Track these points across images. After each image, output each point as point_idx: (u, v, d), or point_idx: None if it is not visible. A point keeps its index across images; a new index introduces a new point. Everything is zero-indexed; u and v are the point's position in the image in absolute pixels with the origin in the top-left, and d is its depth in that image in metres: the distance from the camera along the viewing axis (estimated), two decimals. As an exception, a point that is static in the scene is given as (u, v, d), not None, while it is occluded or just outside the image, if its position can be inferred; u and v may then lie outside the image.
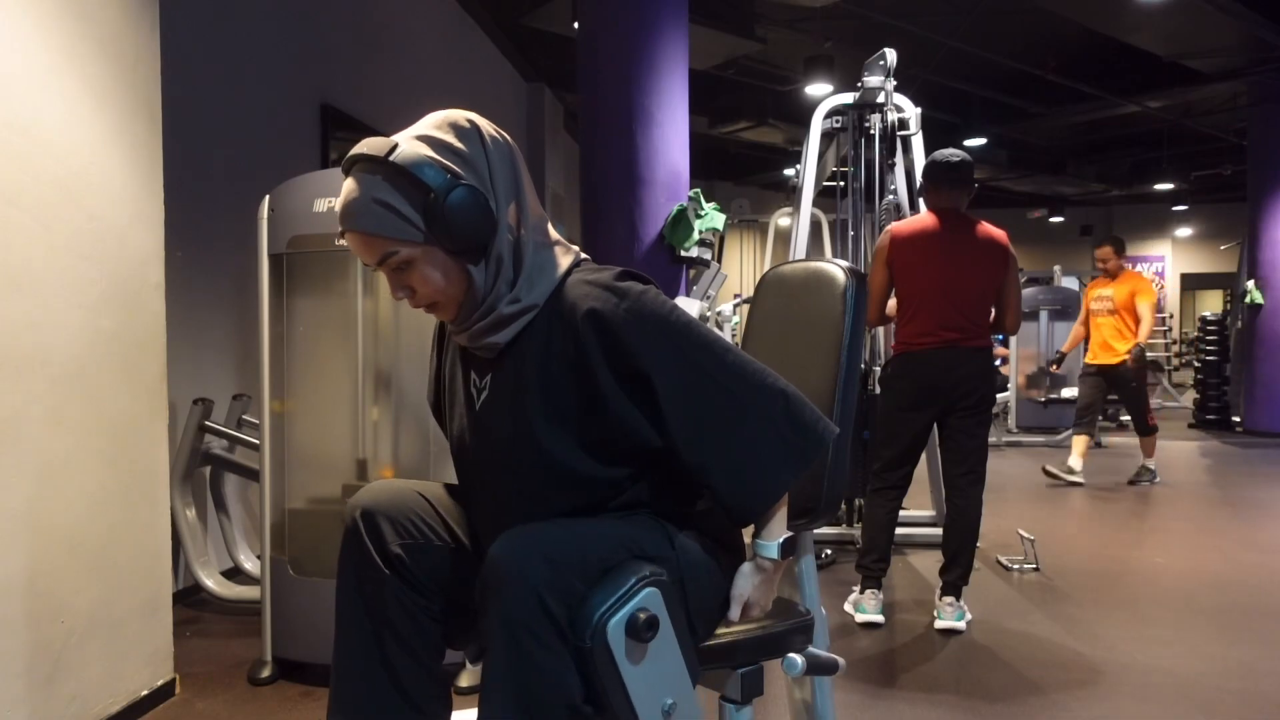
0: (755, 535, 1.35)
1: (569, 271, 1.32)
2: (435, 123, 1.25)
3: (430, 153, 1.21)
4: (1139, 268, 16.21)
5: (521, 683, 1.13)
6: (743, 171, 12.85)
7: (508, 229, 1.26)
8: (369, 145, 1.21)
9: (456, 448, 1.42)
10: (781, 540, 1.33)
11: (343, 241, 1.36)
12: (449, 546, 1.40)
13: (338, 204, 1.23)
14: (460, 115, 1.26)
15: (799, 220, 4.48)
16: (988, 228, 3.08)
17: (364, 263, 1.26)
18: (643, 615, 1.16)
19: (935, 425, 3.14)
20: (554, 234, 1.34)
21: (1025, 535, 3.90)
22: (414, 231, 1.21)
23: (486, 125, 1.28)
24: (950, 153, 3.13)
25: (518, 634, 1.12)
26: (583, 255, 1.37)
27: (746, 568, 1.36)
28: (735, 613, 1.35)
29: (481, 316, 1.28)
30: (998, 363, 8.32)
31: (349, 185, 1.22)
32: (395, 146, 1.20)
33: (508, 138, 1.30)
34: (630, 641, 1.15)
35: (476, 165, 1.24)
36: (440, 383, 1.50)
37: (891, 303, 3.18)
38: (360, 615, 1.36)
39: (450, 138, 1.23)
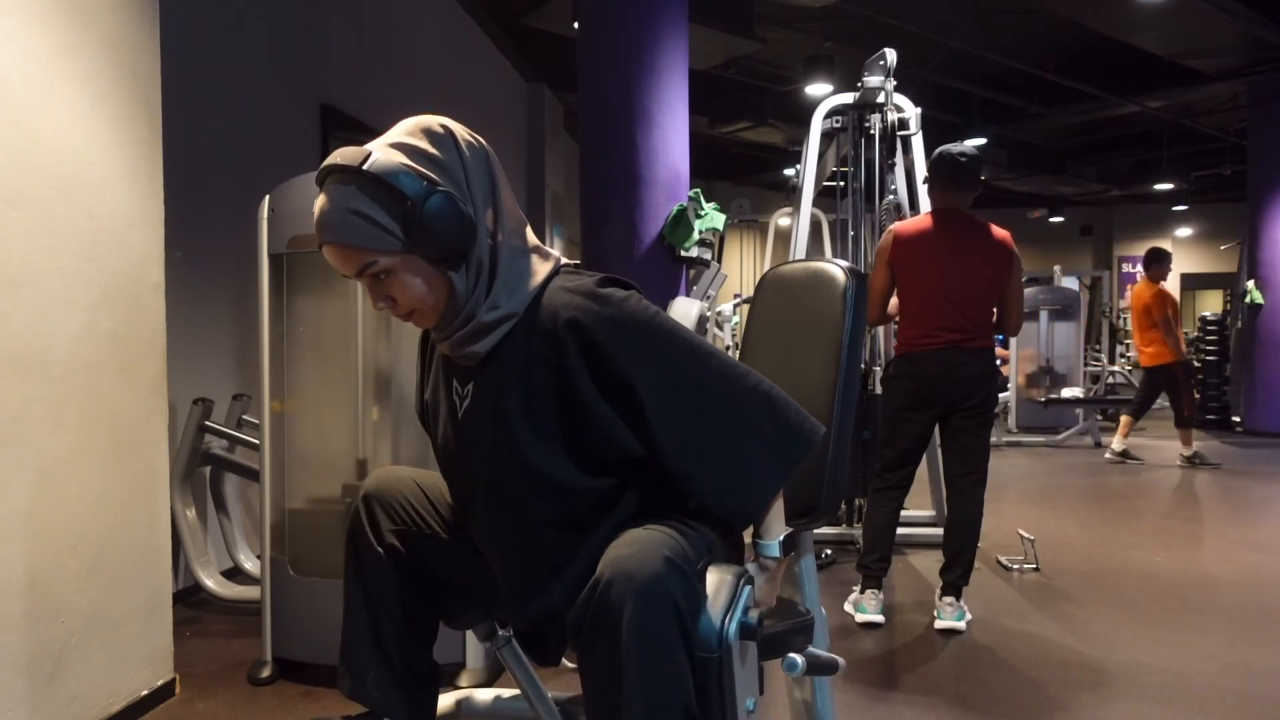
0: (755, 535, 1.35)
1: (549, 278, 1.30)
2: (409, 129, 1.24)
3: (406, 160, 1.19)
4: (1138, 268, 16.20)
5: (649, 697, 1.12)
6: (743, 171, 12.84)
7: (486, 234, 1.26)
8: (342, 155, 1.19)
9: (442, 456, 1.42)
10: (782, 538, 1.33)
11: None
12: (440, 534, 1.45)
13: (314, 217, 1.22)
14: (434, 121, 1.25)
15: (799, 220, 4.48)
16: (992, 228, 3.08)
17: (343, 274, 1.25)
18: (753, 615, 1.16)
19: (937, 426, 3.14)
20: (533, 239, 1.33)
21: (1025, 535, 3.90)
22: (392, 241, 1.19)
23: (461, 130, 1.27)
24: (958, 151, 3.09)
25: (656, 649, 1.12)
26: (564, 261, 1.36)
27: (751, 567, 1.36)
28: None
29: (462, 324, 1.27)
30: (998, 363, 8.31)
31: (323, 198, 1.20)
32: (369, 155, 1.18)
33: (483, 142, 1.29)
34: (743, 644, 1.16)
35: (453, 171, 1.23)
36: (425, 390, 1.50)
37: (894, 303, 3.18)
38: (361, 594, 1.44)
39: (425, 144, 1.22)
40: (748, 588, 1.18)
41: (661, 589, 1.12)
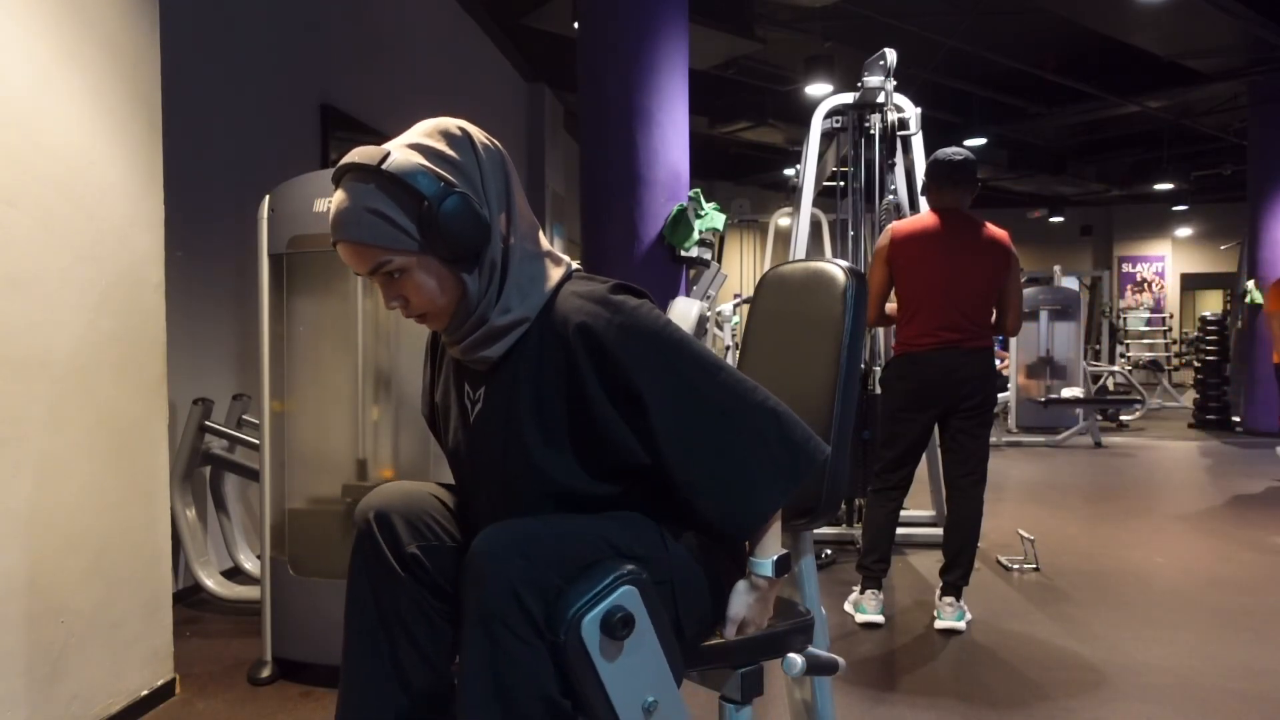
0: (749, 554, 1.35)
1: (561, 283, 1.31)
2: (427, 131, 1.24)
3: (423, 161, 1.20)
4: (1138, 267, 16.21)
5: (497, 674, 1.14)
6: (743, 171, 12.85)
7: (499, 237, 1.26)
8: (360, 154, 1.20)
9: (452, 460, 1.41)
10: (776, 558, 1.33)
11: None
12: (465, 547, 1.38)
13: (329, 214, 1.22)
14: (452, 123, 1.25)
15: (799, 220, 4.48)
16: (990, 228, 3.08)
17: (356, 272, 1.25)
18: (618, 613, 1.16)
19: (936, 426, 3.14)
20: (545, 244, 1.33)
21: (1025, 535, 3.90)
22: (408, 240, 1.19)
23: (478, 133, 1.27)
24: (953, 151, 3.11)
25: (492, 626, 1.13)
26: (575, 265, 1.36)
27: (741, 585, 1.35)
28: (731, 632, 1.35)
29: (474, 327, 1.27)
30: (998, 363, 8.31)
31: (340, 195, 1.21)
32: (387, 155, 1.19)
33: (499, 145, 1.30)
34: (605, 639, 1.16)
35: (469, 173, 1.23)
36: (434, 394, 1.49)
37: (891, 305, 3.18)
38: (373, 619, 1.35)
39: (443, 146, 1.22)
40: (625, 587, 1.18)
41: (493, 571, 1.14)
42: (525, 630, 1.14)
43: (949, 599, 3.04)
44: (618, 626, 1.16)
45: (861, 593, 3.13)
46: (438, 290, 1.24)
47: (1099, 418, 8.56)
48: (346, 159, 1.21)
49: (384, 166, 1.18)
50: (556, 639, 1.15)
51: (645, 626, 1.20)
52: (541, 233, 1.34)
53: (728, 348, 6.57)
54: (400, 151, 1.20)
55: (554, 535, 1.20)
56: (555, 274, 1.31)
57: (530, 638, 1.14)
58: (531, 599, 1.14)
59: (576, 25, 4.85)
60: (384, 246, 1.20)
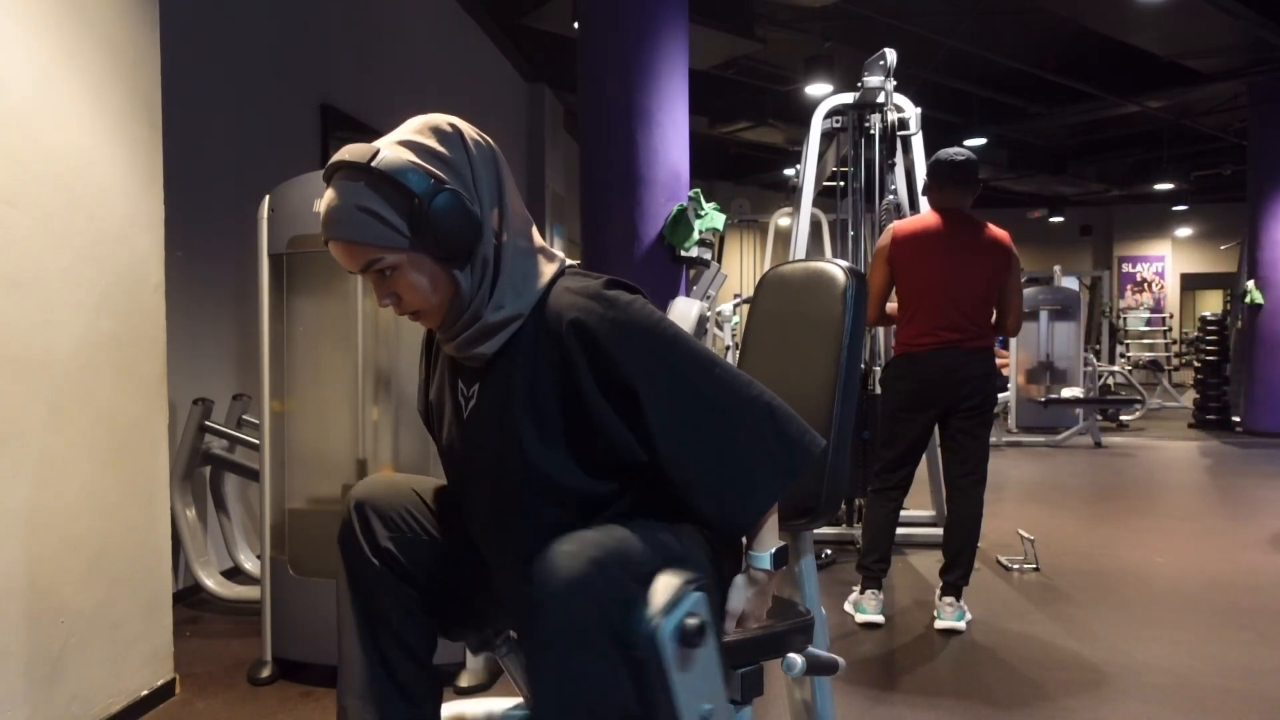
0: (747, 547, 1.35)
1: (554, 279, 1.30)
2: (417, 127, 1.24)
3: (413, 158, 1.20)
4: (1138, 267, 16.21)
5: (578, 694, 1.12)
6: (743, 171, 12.85)
7: (491, 234, 1.26)
8: (350, 152, 1.20)
9: (446, 457, 1.42)
10: (774, 551, 1.33)
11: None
12: (439, 541, 1.41)
13: (320, 213, 1.22)
14: (442, 119, 1.25)
15: (799, 220, 4.48)
16: (991, 228, 3.08)
17: (348, 270, 1.25)
18: (692, 621, 1.14)
19: (936, 426, 3.14)
20: (539, 240, 1.33)
21: (1025, 535, 3.90)
22: (399, 238, 1.19)
23: (469, 129, 1.27)
24: (955, 151, 3.11)
25: (575, 645, 1.11)
26: (569, 261, 1.35)
27: (740, 580, 1.35)
28: (730, 626, 1.35)
29: (467, 324, 1.26)
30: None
31: (331, 193, 1.20)
32: (377, 152, 1.19)
33: (490, 141, 1.29)
34: (681, 648, 1.14)
35: (460, 169, 1.23)
36: (429, 391, 1.49)
37: (892, 305, 3.18)
38: (356, 607, 1.39)
39: (433, 142, 1.22)
40: (696, 594, 1.16)
41: (579, 590, 1.11)
42: (607, 646, 1.12)
43: (949, 599, 3.04)
44: (692, 635, 1.14)
45: (861, 593, 3.13)
46: (430, 288, 1.24)
47: (1099, 418, 8.56)
48: (336, 157, 1.21)
49: (374, 164, 1.18)
50: (635, 653, 1.13)
51: (711, 633, 1.19)
52: (535, 229, 1.33)
53: (728, 348, 6.56)
54: (390, 149, 1.20)
55: (619, 545, 1.18)
56: (548, 270, 1.31)
57: (611, 654, 1.13)
58: (618, 614, 1.13)
59: (576, 25, 4.84)
60: (375, 244, 1.19)
